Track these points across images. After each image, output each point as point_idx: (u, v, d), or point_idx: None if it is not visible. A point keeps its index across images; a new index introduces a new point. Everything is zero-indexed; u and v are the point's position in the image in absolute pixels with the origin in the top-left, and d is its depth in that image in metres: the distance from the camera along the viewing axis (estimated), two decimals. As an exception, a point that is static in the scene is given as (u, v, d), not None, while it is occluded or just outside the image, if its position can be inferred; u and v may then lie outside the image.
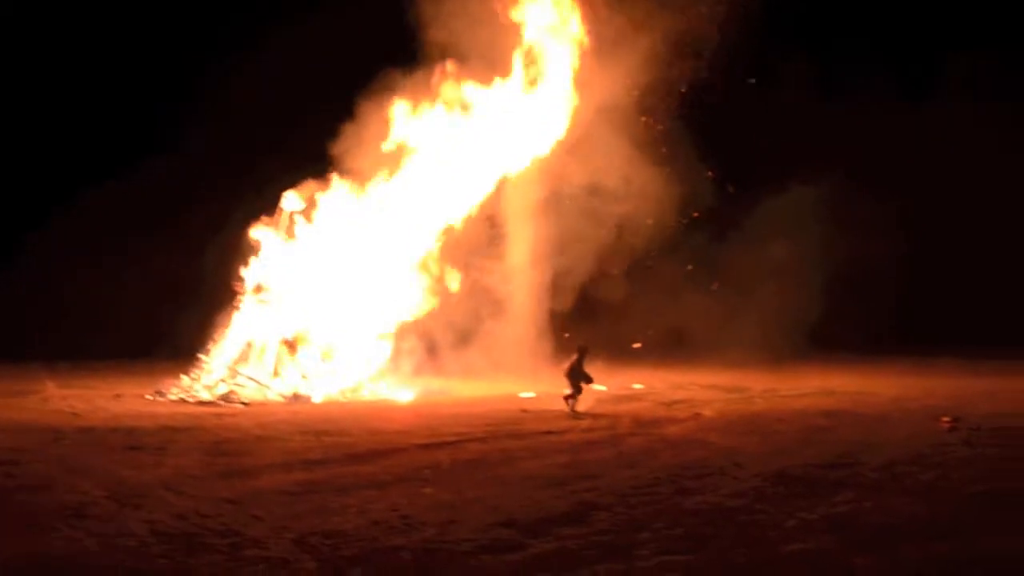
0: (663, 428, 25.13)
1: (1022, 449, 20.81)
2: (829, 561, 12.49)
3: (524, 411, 29.38)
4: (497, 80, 36.62)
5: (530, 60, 36.83)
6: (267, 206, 36.81)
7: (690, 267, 42.09)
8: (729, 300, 42.09)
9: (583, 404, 28.55)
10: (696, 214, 40.62)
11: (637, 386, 36.11)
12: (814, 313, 41.58)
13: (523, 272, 39.73)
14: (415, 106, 36.63)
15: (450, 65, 36.51)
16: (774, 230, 42.14)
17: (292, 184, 36.70)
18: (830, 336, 43.89)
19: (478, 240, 38.58)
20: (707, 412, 27.74)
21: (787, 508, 15.36)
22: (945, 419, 24.93)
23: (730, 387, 34.79)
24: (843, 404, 29.43)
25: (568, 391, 28.65)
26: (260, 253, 36.64)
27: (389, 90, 36.42)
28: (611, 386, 33.75)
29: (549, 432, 24.51)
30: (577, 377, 28.65)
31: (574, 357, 28.90)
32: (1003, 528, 14.16)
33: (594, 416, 27.68)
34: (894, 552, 12.87)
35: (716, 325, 41.95)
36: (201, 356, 35.64)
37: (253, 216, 36.83)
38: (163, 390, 33.45)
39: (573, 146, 36.59)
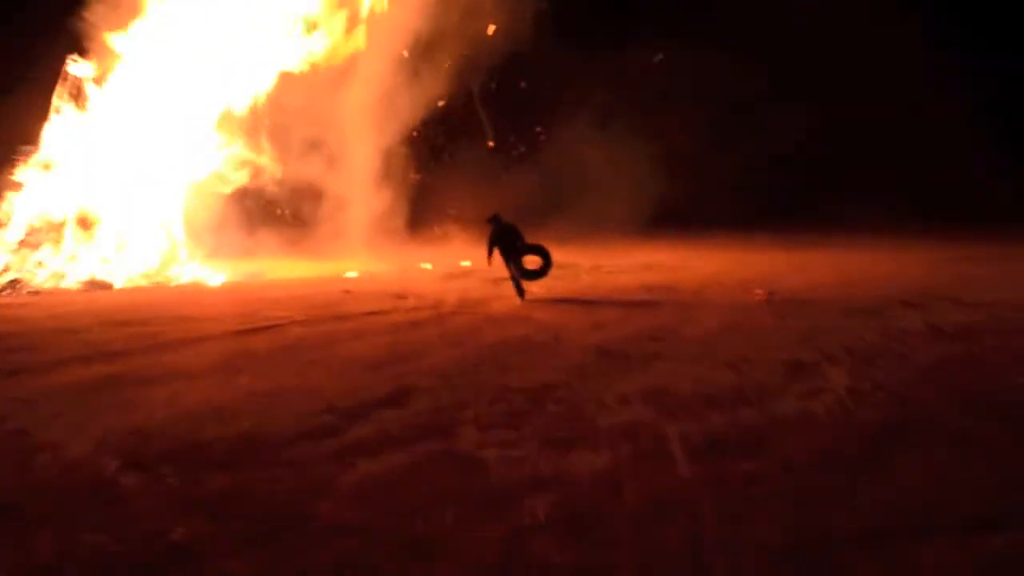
0: (488, 306, 24.46)
1: (826, 319, 20.81)
2: (643, 430, 12.70)
3: (347, 292, 27.88)
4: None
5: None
6: (50, 74, 33.55)
7: (520, 150, 42.18)
8: (563, 181, 43.40)
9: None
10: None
11: (465, 263, 35.82)
12: (650, 194, 42.59)
13: (348, 144, 38.88)
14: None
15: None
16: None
17: (78, 49, 33.66)
18: (664, 216, 45.26)
19: (293, 107, 36.93)
20: (534, 288, 26.66)
21: (605, 382, 15.40)
22: (758, 292, 25.19)
23: (560, 263, 32.81)
24: (663, 279, 29.53)
25: (514, 271, 25.52)
26: (47, 124, 33.08)
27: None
28: (439, 264, 33.39)
29: (372, 313, 23.37)
30: (511, 252, 25.43)
31: (492, 229, 25.39)
32: (803, 393, 14.61)
33: (419, 295, 26.61)
34: (704, 418, 13.26)
35: (551, 205, 43.03)
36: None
37: (35, 84, 33.87)
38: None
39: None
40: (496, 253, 25.01)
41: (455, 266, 35.16)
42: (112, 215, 32.64)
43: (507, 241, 25.23)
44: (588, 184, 45.20)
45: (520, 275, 25.11)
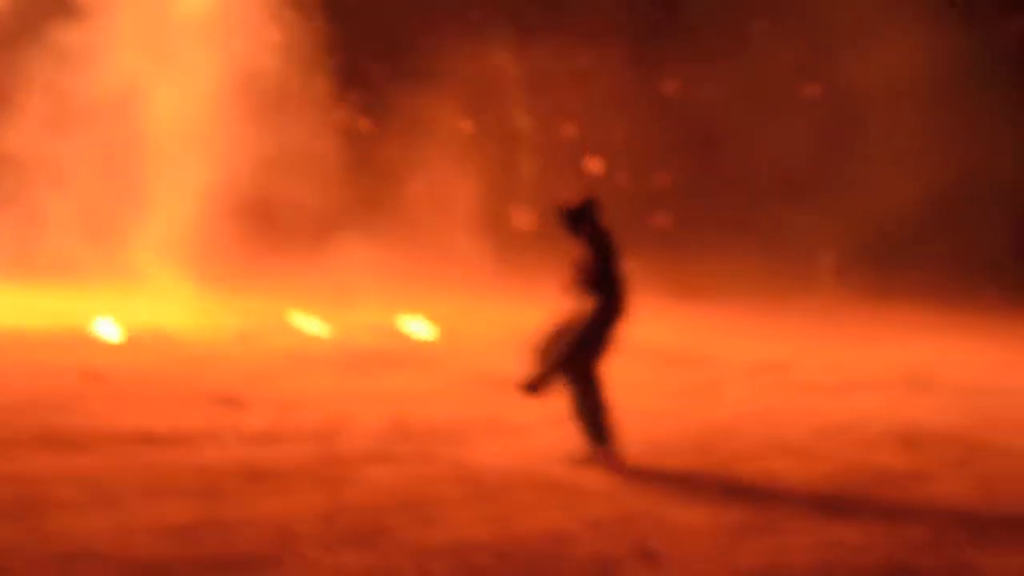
0: (469, 444, 13.37)
1: None
2: None
3: (92, 375, 16.96)
4: None
5: None
6: None
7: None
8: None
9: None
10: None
11: (412, 325, 23.27)
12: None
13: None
14: None
15: None
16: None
17: None
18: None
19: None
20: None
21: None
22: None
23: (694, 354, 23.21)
24: (938, 421, 17.55)
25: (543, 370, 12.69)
26: None
27: None
28: (342, 319, 22.41)
29: (149, 438, 12.69)
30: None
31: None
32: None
33: (281, 400, 15.38)
34: None
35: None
36: None
37: None
38: None
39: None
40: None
41: (388, 330, 23.81)
42: None
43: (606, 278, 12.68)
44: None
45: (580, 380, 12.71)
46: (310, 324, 22.70)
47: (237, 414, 14.46)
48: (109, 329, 21.54)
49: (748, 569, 8.97)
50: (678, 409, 17.75)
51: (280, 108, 29.73)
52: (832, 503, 12.05)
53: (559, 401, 16.19)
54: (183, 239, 26.76)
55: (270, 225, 31.77)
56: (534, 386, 12.33)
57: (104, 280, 26.24)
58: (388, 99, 38.19)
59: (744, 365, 22.09)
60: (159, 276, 25.23)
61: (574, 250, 12.52)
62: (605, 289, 12.28)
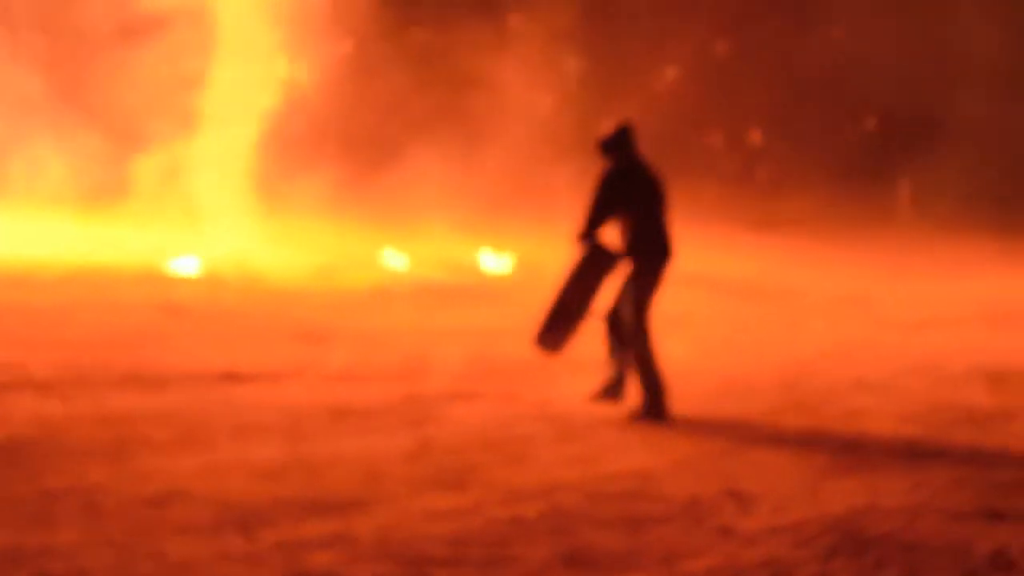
0: (543, 387, 13.24)
1: None
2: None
3: (172, 310, 17.51)
4: None
5: None
6: None
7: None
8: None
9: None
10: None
11: (497, 260, 23.79)
12: None
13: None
14: None
15: None
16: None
17: None
18: None
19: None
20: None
21: None
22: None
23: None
24: None
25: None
26: None
27: None
28: (424, 257, 21.40)
29: (232, 375, 13.02)
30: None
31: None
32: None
33: (363, 337, 15.62)
34: None
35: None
36: None
37: None
38: None
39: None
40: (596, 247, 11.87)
41: (466, 265, 24.14)
42: None
43: (646, 220, 11.87)
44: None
45: (620, 334, 11.81)
46: (389, 258, 22.75)
47: (319, 351, 14.57)
48: (187, 264, 21.70)
49: (838, 510, 8.96)
50: (760, 344, 17.69)
51: (348, 26, 29.48)
52: (918, 443, 11.97)
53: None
54: (255, 168, 26.75)
55: (344, 150, 31.64)
56: (549, 342, 12.07)
57: (177, 212, 26.26)
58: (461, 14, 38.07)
59: (824, 299, 22.00)
60: (232, 207, 25.32)
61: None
62: (640, 236, 11.50)
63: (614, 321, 11.58)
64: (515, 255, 24.93)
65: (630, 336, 11.50)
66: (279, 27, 26.68)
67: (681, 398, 12.68)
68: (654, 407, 11.49)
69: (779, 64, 39.58)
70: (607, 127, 11.87)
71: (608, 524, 8.25)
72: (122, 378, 12.56)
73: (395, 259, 23.19)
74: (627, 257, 11.56)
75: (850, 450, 11.24)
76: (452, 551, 7.29)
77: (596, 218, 11.44)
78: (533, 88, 34.18)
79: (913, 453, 11.33)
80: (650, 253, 11.54)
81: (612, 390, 11.63)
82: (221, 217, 24.62)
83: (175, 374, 12.95)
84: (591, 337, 13.71)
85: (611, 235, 11.88)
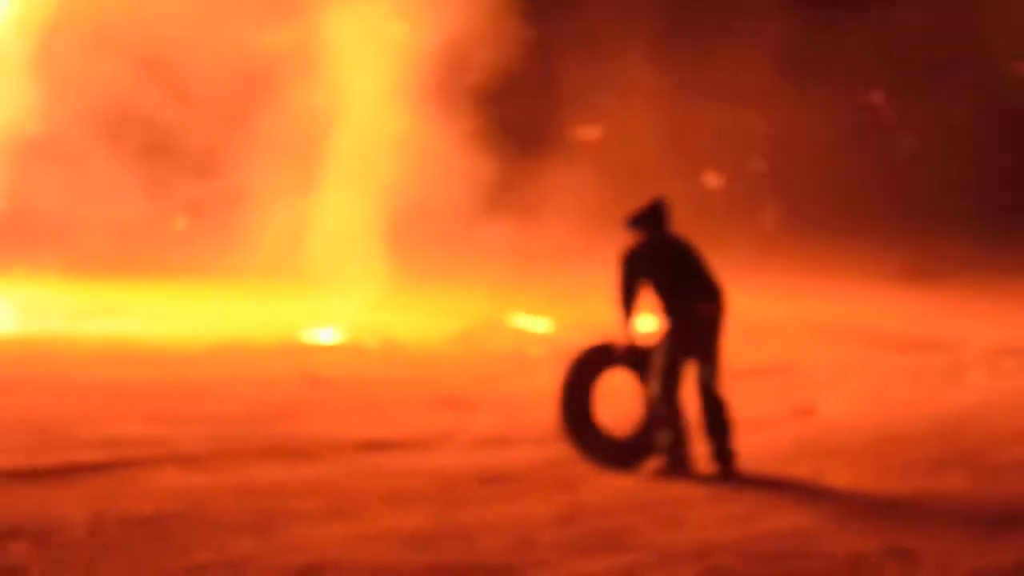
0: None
1: None
2: None
3: (314, 381, 17.25)
4: None
5: None
6: None
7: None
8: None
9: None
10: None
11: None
12: None
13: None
14: None
15: None
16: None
17: None
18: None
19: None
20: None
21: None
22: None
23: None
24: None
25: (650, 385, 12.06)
26: None
27: None
28: (568, 318, 21.15)
29: (377, 444, 12.92)
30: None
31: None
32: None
33: (506, 406, 15.37)
34: None
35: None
36: None
37: None
38: None
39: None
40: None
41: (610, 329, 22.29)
42: None
43: (696, 307, 11.98)
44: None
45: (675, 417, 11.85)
46: (530, 322, 22.73)
47: (466, 417, 14.47)
48: (326, 333, 21.89)
49: (1006, 564, 8.79)
50: (920, 395, 17.46)
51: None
52: (1089, 492, 11.77)
53: (788, 398, 16.13)
54: (382, 239, 26.83)
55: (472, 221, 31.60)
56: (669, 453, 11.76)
57: (310, 284, 26.07)
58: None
59: (984, 349, 21.66)
60: (361, 274, 25.44)
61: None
62: (672, 301, 11.61)
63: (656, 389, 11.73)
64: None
65: (657, 393, 11.57)
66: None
67: (839, 452, 12.65)
68: (678, 459, 11.52)
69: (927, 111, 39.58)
70: (640, 203, 11.88)
71: (767, 585, 8.15)
72: (267, 450, 12.60)
73: (534, 322, 23.16)
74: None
75: (1018, 501, 11.01)
76: (609, 615, 7.27)
77: (625, 299, 11.66)
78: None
79: (1084, 503, 11.13)
80: (675, 321, 11.61)
81: (674, 456, 11.63)
82: (352, 285, 24.80)
83: (320, 444, 12.93)
84: (746, 395, 13.66)
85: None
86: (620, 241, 12.02)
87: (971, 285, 31.68)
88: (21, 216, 26.61)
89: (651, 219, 11.64)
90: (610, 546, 9.10)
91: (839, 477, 11.62)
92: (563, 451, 12.76)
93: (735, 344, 19.32)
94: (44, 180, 27.05)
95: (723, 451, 11.47)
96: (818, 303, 27.21)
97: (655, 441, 11.57)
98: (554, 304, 24.91)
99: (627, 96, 35.31)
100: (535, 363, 19.35)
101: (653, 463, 11.72)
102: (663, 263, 11.59)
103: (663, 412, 11.41)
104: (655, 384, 11.48)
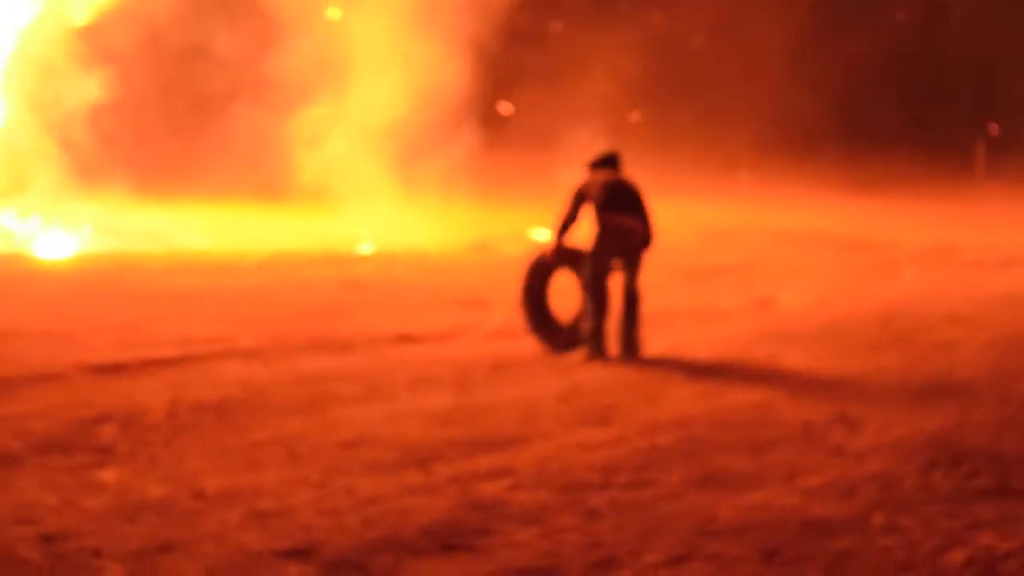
0: (678, 332, 12.81)
1: None
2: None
3: (354, 287, 16.94)
4: None
5: None
6: None
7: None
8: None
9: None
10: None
11: None
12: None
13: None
14: None
15: None
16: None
17: None
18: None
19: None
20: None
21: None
22: None
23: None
24: None
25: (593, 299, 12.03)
26: None
27: None
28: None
29: (407, 337, 12.78)
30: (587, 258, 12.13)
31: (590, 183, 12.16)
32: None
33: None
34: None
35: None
36: None
37: None
38: None
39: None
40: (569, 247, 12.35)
41: None
42: None
43: (617, 223, 12.15)
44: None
45: (597, 310, 11.92)
46: (539, 233, 22.46)
47: (480, 314, 14.23)
48: (363, 246, 21.61)
49: (934, 428, 8.71)
50: (861, 288, 17.38)
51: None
52: (1004, 365, 11.62)
53: (750, 292, 16.06)
54: (417, 154, 25.89)
55: (498, 133, 30.92)
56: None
57: (348, 199, 25.33)
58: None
59: (915, 249, 21.57)
60: (401, 192, 24.95)
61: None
62: (603, 217, 11.89)
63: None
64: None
65: (586, 287, 11.80)
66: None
67: (793, 337, 12.55)
68: (596, 347, 11.67)
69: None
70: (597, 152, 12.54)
71: (734, 449, 8.08)
72: (314, 344, 12.48)
73: (542, 234, 22.73)
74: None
75: (943, 374, 10.90)
76: (601, 477, 7.21)
77: (567, 216, 12.12)
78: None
79: (999, 374, 11.00)
80: (602, 231, 11.90)
81: (594, 343, 11.74)
82: (385, 204, 24.24)
83: (358, 338, 12.81)
84: (714, 291, 13.63)
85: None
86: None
87: (904, 194, 31.49)
88: (101, 151, 26.12)
89: (607, 163, 12.13)
90: (602, 420, 9.11)
91: (793, 358, 11.54)
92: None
93: (706, 246, 19.33)
94: (119, 124, 26.42)
95: (631, 340, 11.61)
96: (775, 212, 27.01)
97: (579, 330, 11.78)
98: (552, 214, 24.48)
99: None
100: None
101: (579, 353, 11.63)
102: (605, 192, 11.91)
103: (588, 304, 11.59)
104: (585, 279, 11.73)
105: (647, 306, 11.69)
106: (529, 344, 12.14)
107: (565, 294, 12.08)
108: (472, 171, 26.71)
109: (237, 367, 10.81)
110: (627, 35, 31.70)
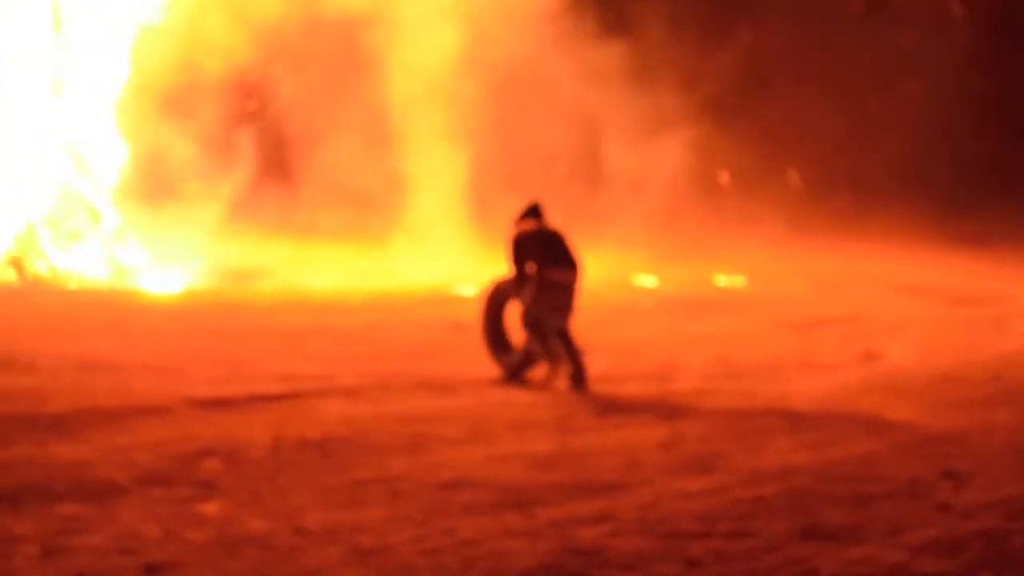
0: (788, 381, 13.10)
1: None
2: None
3: (457, 327, 16.52)
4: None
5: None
6: None
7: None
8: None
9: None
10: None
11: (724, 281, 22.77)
12: None
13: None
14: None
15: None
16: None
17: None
18: None
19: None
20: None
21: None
22: None
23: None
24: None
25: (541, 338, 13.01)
26: None
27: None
28: (673, 276, 21.41)
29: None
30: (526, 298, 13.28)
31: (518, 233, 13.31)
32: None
33: (619, 345, 15.13)
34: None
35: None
36: None
37: None
38: None
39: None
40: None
41: (705, 283, 23.10)
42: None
43: (555, 280, 13.28)
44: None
45: (545, 346, 12.90)
46: (639, 278, 22.62)
47: (584, 358, 14.38)
48: (466, 287, 21.60)
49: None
50: (971, 343, 17.13)
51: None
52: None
53: (856, 344, 15.93)
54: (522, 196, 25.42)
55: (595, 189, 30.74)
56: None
57: (453, 240, 25.31)
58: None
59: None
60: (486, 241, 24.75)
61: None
62: (539, 269, 13.02)
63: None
64: (746, 273, 24.45)
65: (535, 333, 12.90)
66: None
67: (900, 390, 12.43)
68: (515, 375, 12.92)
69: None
70: (522, 205, 13.69)
71: (838, 502, 8.01)
72: (417, 384, 12.52)
73: (645, 279, 22.89)
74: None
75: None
76: (702, 526, 7.18)
77: (518, 267, 13.38)
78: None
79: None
80: (539, 284, 13.16)
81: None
82: (487, 244, 24.00)
83: (461, 380, 12.85)
84: (820, 341, 13.49)
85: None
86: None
87: (1013, 250, 31.18)
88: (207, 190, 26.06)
89: (532, 215, 13.30)
90: (704, 468, 9.02)
91: (900, 412, 11.44)
92: (667, 387, 12.70)
93: (812, 297, 19.13)
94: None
95: (579, 372, 12.33)
96: (883, 264, 26.82)
97: (504, 360, 13.02)
98: (658, 264, 24.68)
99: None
100: (644, 313, 19.26)
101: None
102: (537, 243, 13.11)
103: (533, 348, 12.72)
104: (527, 329, 12.92)
105: (754, 355, 11.71)
106: (632, 389, 12.21)
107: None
108: (578, 215, 26.57)
109: (340, 405, 10.90)
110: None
